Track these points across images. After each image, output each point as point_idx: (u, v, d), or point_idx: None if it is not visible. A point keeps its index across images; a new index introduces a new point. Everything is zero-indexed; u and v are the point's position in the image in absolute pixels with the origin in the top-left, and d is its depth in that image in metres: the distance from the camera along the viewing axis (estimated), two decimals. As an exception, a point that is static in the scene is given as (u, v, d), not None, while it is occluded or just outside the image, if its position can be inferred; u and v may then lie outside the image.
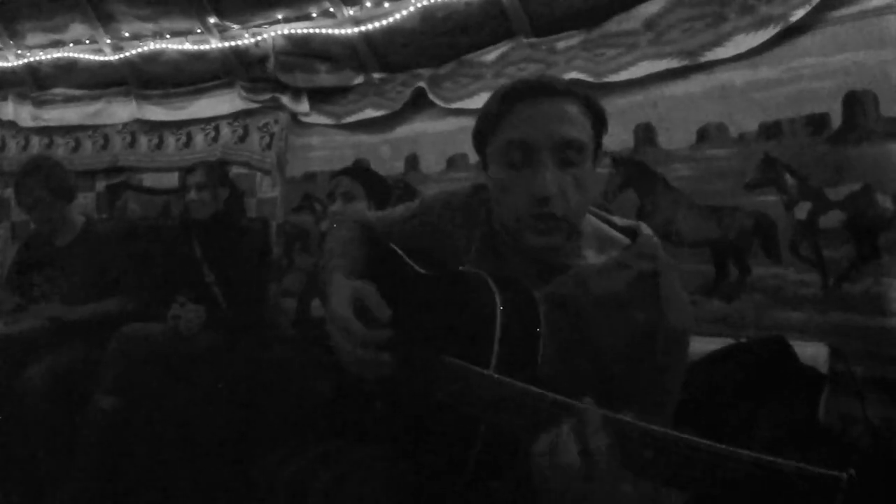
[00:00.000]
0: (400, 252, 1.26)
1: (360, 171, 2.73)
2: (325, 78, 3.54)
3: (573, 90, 1.05)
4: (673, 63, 2.58)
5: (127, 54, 4.13)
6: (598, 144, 1.09)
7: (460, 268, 1.12)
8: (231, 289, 2.91)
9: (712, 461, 0.63)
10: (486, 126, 1.09)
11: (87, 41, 4.28)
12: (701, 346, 2.01)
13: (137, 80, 4.20)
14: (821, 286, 2.20)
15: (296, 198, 3.63)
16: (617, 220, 1.19)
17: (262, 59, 3.66)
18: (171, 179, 4.01)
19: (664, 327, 1.00)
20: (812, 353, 1.95)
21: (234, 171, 3.74)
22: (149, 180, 4.14)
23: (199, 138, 4.00)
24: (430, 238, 1.27)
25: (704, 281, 2.44)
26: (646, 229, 1.13)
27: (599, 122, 1.07)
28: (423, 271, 1.18)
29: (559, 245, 1.03)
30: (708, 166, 2.48)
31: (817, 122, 2.29)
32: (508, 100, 1.05)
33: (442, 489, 0.95)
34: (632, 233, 1.14)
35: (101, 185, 4.30)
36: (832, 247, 2.20)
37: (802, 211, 2.27)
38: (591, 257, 1.09)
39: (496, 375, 0.87)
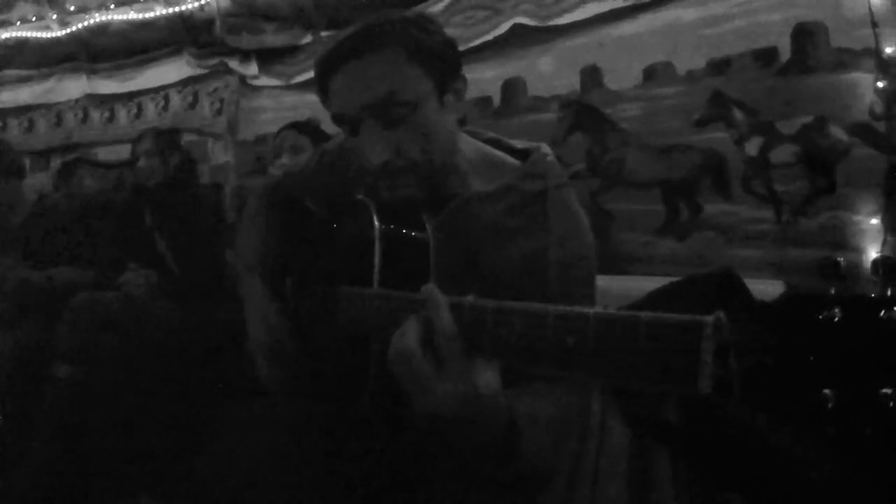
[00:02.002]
0: (304, 203, 1.21)
1: (304, 125, 2.56)
2: (273, 38, 3.25)
3: (394, 34, 0.87)
4: (618, 3, 2.37)
5: (74, 28, 3.79)
6: (445, 78, 0.92)
7: (352, 198, 1.03)
8: (184, 255, 2.71)
9: (558, 324, 0.54)
10: (322, 100, 0.97)
11: (34, 18, 3.93)
12: (655, 286, 1.78)
13: (87, 55, 3.88)
14: (775, 222, 2.02)
15: (248, 161, 3.37)
16: (518, 144, 1.06)
17: (209, 23, 3.34)
18: (124, 152, 3.63)
19: (555, 251, 0.91)
20: (766, 289, 1.71)
21: (186, 138, 3.43)
22: (102, 154, 3.83)
23: (149, 108, 3.71)
24: (331, 181, 1.16)
25: (656, 221, 2.25)
26: (544, 149, 1.01)
27: (439, 56, 0.90)
28: (319, 211, 1.14)
29: (416, 195, 0.92)
30: (656, 105, 2.28)
31: (766, 56, 2.09)
32: (324, 74, 0.92)
33: (345, 423, 0.90)
34: (527, 155, 1.01)
35: (56, 163, 3.98)
36: (786, 181, 2.02)
37: (753, 146, 2.09)
38: (479, 185, 0.97)
39: (374, 290, 0.83)
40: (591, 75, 2.42)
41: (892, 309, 0.37)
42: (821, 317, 0.40)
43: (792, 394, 0.40)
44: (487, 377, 0.64)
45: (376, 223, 0.87)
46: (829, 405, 0.38)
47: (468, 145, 1.01)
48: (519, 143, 1.05)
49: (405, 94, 0.87)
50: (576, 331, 0.52)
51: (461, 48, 0.98)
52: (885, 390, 0.36)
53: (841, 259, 0.43)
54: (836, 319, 0.39)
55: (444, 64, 0.91)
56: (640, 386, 0.48)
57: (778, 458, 0.84)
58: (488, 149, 1.04)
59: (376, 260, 0.85)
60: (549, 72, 2.53)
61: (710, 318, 0.44)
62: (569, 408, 0.85)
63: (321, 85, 0.93)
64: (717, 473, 1.08)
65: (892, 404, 0.36)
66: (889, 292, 0.39)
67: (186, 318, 2.49)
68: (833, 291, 0.41)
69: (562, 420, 0.82)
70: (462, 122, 0.98)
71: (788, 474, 0.84)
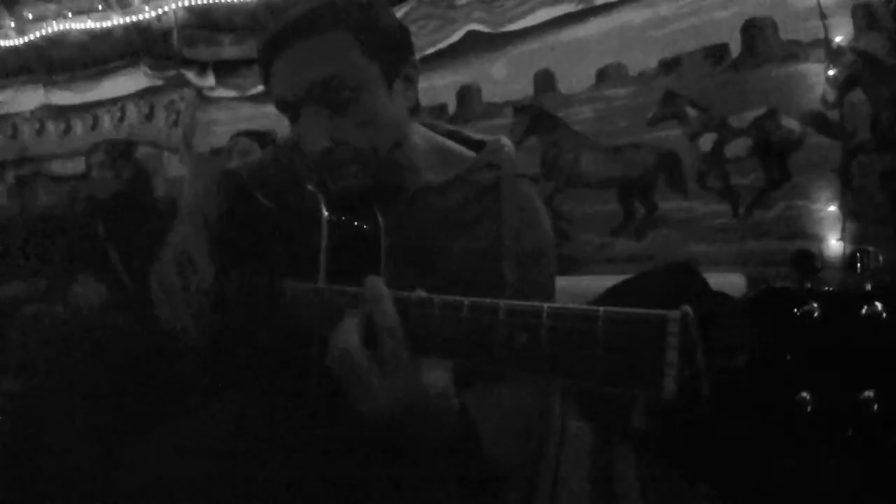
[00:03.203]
0: (253, 194, 1.06)
1: (257, 133, 2.46)
2: (229, 50, 3.11)
3: (341, 17, 0.79)
4: (569, 8, 2.29)
5: (32, 37, 3.62)
6: (394, 64, 0.83)
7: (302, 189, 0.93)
8: (136, 267, 2.52)
9: (509, 320, 0.48)
10: (266, 85, 0.87)
11: (-8, 26, 3.69)
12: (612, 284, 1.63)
13: (44, 65, 3.71)
14: (732, 215, 1.96)
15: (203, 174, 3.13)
16: (478, 136, 0.97)
17: (166, 35, 3.17)
18: (80, 165, 3.47)
19: (510, 245, 0.82)
20: (727, 282, 1.59)
21: (142, 150, 3.28)
22: (58, 167, 3.66)
23: (105, 120, 3.54)
24: (282, 173, 1.05)
25: (613, 221, 2.16)
26: (503, 141, 0.91)
27: (387, 40, 0.82)
28: (269, 204, 1.01)
29: (361, 185, 0.83)
30: (608, 106, 2.21)
31: (717, 53, 2.04)
32: (266, 56, 0.83)
33: (288, 420, 0.82)
34: (483, 146, 0.93)
35: (10, 176, 3.78)
36: (741, 175, 1.96)
37: (707, 142, 2.03)
38: (432, 177, 0.88)
39: (318, 285, 0.74)
40: (544, 80, 2.34)
41: (874, 304, 0.32)
42: (798, 312, 0.34)
43: (766, 396, 0.35)
44: (434, 375, 0.59)
45: (325, 215, 0.78)
46: (808, 409, 0.34)
47: (421, 135, 0.92)
48: (477, 136, 0.97)
49: (348, 78, 0.78)
50: (528, 327, 0.47)
51: (416, 57, 0.90)
52: (866, 393, 0.31)
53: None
54: (815, 315, 0.34)
55: (393, 48, 0.82)
56: (599, 387, 0.42)
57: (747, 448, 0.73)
58: (443, 140, 0.96)
59: (322, 254, 0.77)
60: (503, 77, 2.44)
61: (675, 313, 0.39)
62: (529, 409, 0.79)
63: (264, 69, 0.84)
64: (686, 466, 1.00)
65: (874, 408, 0.31)
66: (869, 286, 0.34)
67: (135, 329, 2.34)
68: (809, 285, 0.35)
69: (521, 421, 0.77)
70: (415, 111, 0.88)
71: (759, 464, 0.77)
